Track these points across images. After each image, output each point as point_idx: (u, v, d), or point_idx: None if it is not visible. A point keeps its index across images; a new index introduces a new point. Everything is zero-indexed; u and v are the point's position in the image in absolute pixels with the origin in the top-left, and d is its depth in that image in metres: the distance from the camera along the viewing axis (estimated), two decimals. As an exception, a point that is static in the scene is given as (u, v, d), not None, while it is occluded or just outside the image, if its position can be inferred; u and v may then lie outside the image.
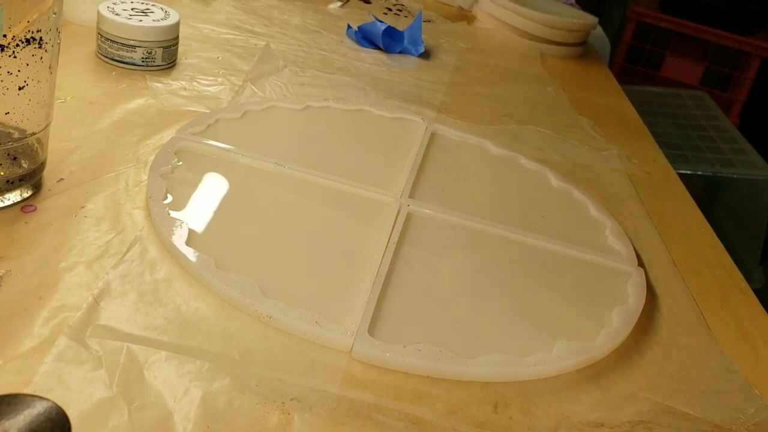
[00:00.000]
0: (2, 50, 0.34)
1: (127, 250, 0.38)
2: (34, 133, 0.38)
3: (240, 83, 0.60)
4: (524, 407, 0.34)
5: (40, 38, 0.36)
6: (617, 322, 0.41)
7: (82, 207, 0.40)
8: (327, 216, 0.45)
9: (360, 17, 0.85)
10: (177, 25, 0.59)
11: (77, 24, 0.64)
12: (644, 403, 0.37)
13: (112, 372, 0.30)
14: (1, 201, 0.39)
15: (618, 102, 0.81)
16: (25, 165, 0.39)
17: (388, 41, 0.77)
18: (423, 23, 0.83)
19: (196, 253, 0.37)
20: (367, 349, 0.35)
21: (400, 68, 0.74)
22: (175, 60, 0.60)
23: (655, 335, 0.42)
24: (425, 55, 0.79)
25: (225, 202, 0.43)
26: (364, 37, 0.78)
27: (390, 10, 0.94)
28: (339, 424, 0.31)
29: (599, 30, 1.08)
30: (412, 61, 0.77)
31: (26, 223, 0.38)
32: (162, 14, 0.59)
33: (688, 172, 1.03)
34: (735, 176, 1.05)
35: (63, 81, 0.53)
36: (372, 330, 0.36)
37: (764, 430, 0.36)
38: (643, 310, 0.43)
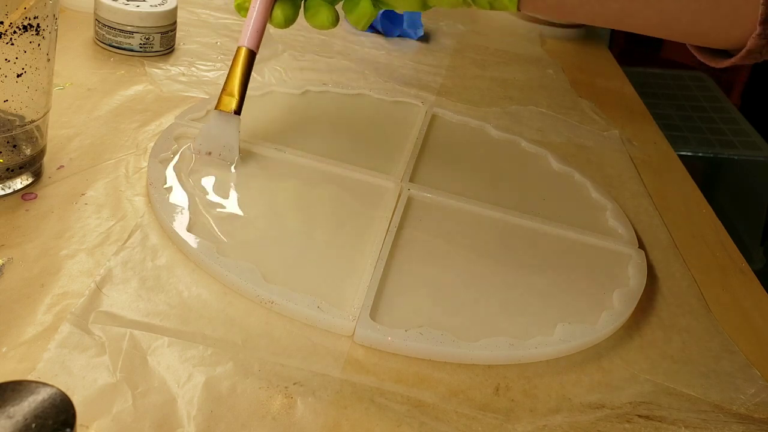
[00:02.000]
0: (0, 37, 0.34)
1: (129, 237, 0.38)
2: (33, 121, 0.38)
3: (239, 68, 0.60)
4: (526, 389, 0.35)
5: (38, 25, 0.35)
6: (618, 304, 0.41)
7: (83, 194, 0.40)
8: (327, 201, 0.45)
9: (359, 0, 0.84)
10: (174, 10, 0.59)
11: (74, 10, 0.63)
12: (645, 384, 0.37)
13: (115, 358, 0.31)
14: (2, 189, 0.39)
15: (618, 83, 0.81)
16: (25, 152, 0.39)
17: (387, 24, 0.76)
18: (422, 6, 0.82)
19: (198, 239, 0.37)
20: (369, 333, 0.35)
21: (400, 52, 0.73)
22: (173, 45, 0.60)
23: (655, 317, 0.42)
24: (424, 38, 0.79)
25: (225, 188, 0.43)
26: (363, 21, 0.77)
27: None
28: (342, 407, 0.31)
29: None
30: (411, 45, 0.76)
31: (27, 210, 0.38)
32: (159, 0, 0.59)
33: (689, 153, 1.03)
34: (736, 157, 1.05)
35: (61, 68, 0.53)
36: (374, 314, 0.36)
37: (765, 410, 0.36)
38: (643, 291, 0.43)
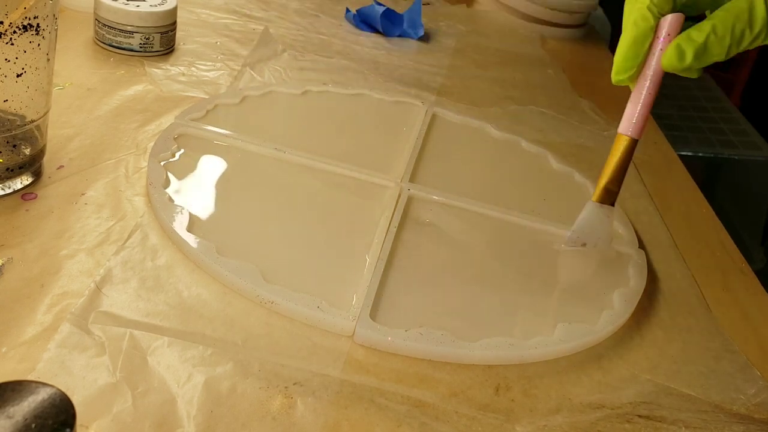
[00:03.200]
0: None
1: (128, 237, 0.38)
2: (33, 120, 0.38)
3: (239, 68, 0.60)
4: (526, 389, 0.35)
5: (37, 25, 0.35)
6: (618, 304, 0.41)
7: (83, 194, 0.40)
8: (327, 201, 0.45)
9: (359, 0, 0.84)
10: (174, 10, 0.59)
11: (74, 10, 0.63)
12: (645, 384, 0.37)
13: (115, 358, 0.31)
14: (2, 189, 0.38)
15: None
16: (24, 152, 0.39)
17: (387, 24, 0.76)
18: (422, 6, 0.82)
19: (197, 239, 0.37)
20: (369, 333, 0.35)
21: (400, 51, 0.73)
22: (173, 45, 0.60)
23: (656, 317, 0.42)
24: (425, 38, 0.79)
25: (225, 188, 0.43)
26: (363, 21, 0.77)
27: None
28: (342, 408, 0.31)
29: (600, 11, 1.07)
30: (411, 45, 0.76)
31: (27, 210, 0.38)
32: (159, 0, 0.59)
33: (689, 153, 1.03)
34: (736, 157, 1.05)
35: (61, 68, 0.53)
36: (374, 314, 0.36)
37: (765, 410, 0.36)
38: (644, 291, 0.43)
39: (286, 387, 0.32)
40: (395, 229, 0.42)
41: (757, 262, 1.03)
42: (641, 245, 0.48)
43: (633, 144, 0.41)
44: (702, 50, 0.38)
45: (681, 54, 0.38)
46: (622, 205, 0.52)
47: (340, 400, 0.32)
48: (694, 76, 0.41)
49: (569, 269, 0.44)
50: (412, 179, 0.49)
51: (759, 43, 0.39)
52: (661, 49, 0.39)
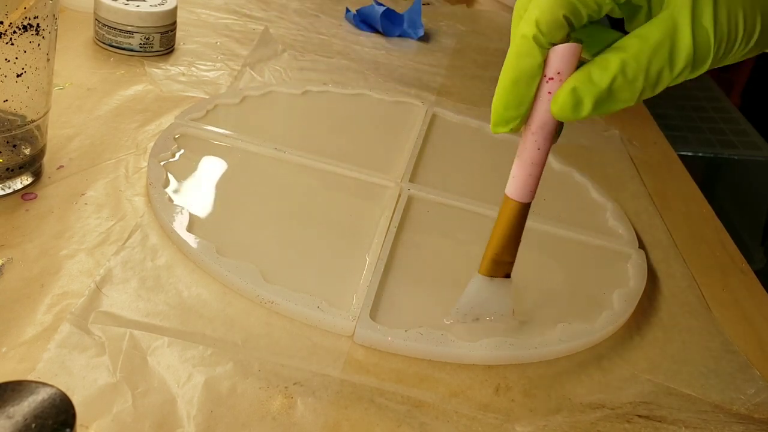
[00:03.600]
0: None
1: (128, 237, 0.38)
2: (33, 120, 0.38)
3: (239, 68, 0.60)
4: (526, 389, 0.35)
5: (37, 25, 0.35)
6: (618, 304, 0.41)
7: (83, 194, 0.40)
8: (328, 201, 0.45)
9: (359, 0, 0.84)
10: (174, 10, 0.59)
11: (74, 10, 0.63)
12: (645, 384, 0.37)
13: (115, 358, 0.31)
14: (2, 189, 0.39)
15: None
16: (24, 152, 0.39)
17: (387, 24, 0.76)
18: (422, 6, 0.82)
19: (197, 239, 0.37)
20: (369, 333, 0.35)
21: (400, 52, 0.73)
22: (173, 45, 0.60)
23: (655, 317, 0.42)
24: (425, 38, 0.79)
25: (225, 188, 0.43)
26: (363, 21, 0.77)
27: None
28: (342, 408, 0.31)
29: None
30: (411, 45, 0.76)
31: (27, 210, 0.38)
32: (159, 0, 0.59)
33: (689, 153, 1.03)
34: (736, 157, 1.05)
35: (61, 68, 0.53)
36: (374, 314, 0.36)
37: (765, 410, 0.36)
38: (644, 291, 0.43)
39: (286, 387, 0.32)
40: (395, 229, 0.42)
41: (757, 262, 1.03)
42: (641, 245, 0.48)
43: (524, 208, 0.34)
44: (605, 96, 0.29)
45: (577, 102, 0.29)
46: (622, 205, 0.52)
47: (340, 400, 0.32)
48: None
49: (569, 269, 0.44)
50: (412, 179, 0.49)
51: (679, 81, 0.30)
52: (549, 92, 0.30)
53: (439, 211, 0.46)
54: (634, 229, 0.50)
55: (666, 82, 0.29)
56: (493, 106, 0.32)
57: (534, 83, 0.30)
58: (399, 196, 0.46)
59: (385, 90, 0.62)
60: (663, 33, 0.28)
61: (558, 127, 0.32)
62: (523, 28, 0.29)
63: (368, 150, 0.52)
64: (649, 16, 0.30)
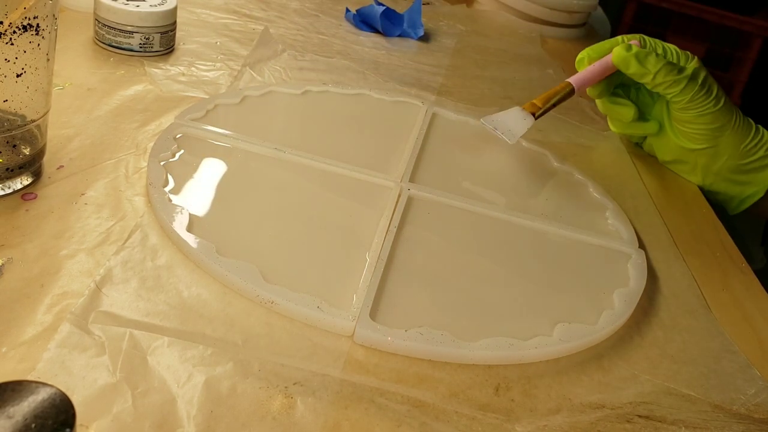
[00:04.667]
0: (-1, 37, 0.34)
1: (128, 237, 0.38)
2: (33, 120, 0.38)
3: (239, 68, 0.60)
4: (526, 389, 0.35)
5: (37, 25, 0.35)
6: (618, 304, 0.41)
7: (83, 194, 0.40)
8: (328, 201, 0.45)
9: (359, 0, 0.84)
10: (174, 10, 0.59)
11: (74, 10, 0.63)
12: (645, 384, 0.37)
13: (115, 358, 0.31)
14: (2, 189, 0.39)
15: (618, 83, 0.81)
16: (24, 152, 0.39)
17: (387, 24, 0.76)
18: (422, 6, 0.82)
19: (197, 239, 0.37)
20: (369, 333, 0.35)
21: (400, 51, 0.73)
22: (173, 45, 0.60)
23: (655, 317, 0.42)
24: (425, 38, 0.79)
25: (225, 188, 0.43)
26: (363, 21, 0.77)
27: (389, -8, 0.94)
28: (342, 408, 0.31)
29: (600, 11, 1.07)
30: (411, 45, 0.76)
31: (27, 210, 0.38)
32: (159, 0, 0.59)
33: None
34: (736, 157, 1.04)
35: (61, 68, 0.53)
36: (374, 314, 0.36)
37: (765, 410, 0.36)
38: (644, 291, 0.43)
39: (286, 387, 0.32)
40: (395, 229, 0.42)
41: (757, 262, 1.03)
42: (641, 245, 0.48)
43: (571, 91, 0.55)
44: (643, 56, 0.55)
45: (627, 47, 0.55)
46: (622, 205, 0.52)
47: (340, 400, 0.32)
48: (628, 116, 0.60)
49: (569, 269, 0.44)
50: (412, 179, 0.49)
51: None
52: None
53: (439, 211, 0.46)
54: (634, 228, 0.50)
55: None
56: (586, 49, 0.59)
57: (611, 47, 0.57)
58: (399, 196, 0.46)
59: (385, 90, 0.62)
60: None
61: (612, 71, 0.57)
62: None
63: (368, 150, 0.52)
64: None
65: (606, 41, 0.58)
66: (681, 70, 0.54)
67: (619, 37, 0.58)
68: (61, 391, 0.20)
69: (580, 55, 0.58)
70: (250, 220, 0.41)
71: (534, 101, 0.54)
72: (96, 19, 0.57)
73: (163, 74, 0.56)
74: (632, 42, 0.57)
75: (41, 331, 0.31)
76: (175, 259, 0.37)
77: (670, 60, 0.55)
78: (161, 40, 0.58)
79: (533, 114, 0.53)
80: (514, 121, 0.52)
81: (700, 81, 0.54)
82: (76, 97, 0.50)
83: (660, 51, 0.56)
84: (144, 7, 0.56)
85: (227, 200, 0.42)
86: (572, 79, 0.55)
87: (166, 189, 0.41)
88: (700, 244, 0.51)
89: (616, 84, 0.60)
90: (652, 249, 0.49)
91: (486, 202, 0.48)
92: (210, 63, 0.60)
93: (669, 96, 0.55)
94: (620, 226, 0.49)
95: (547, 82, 0.75)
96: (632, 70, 0.54)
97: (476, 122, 0.59)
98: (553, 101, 0.54)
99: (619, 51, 0.54)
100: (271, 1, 0.78)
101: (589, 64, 0.57)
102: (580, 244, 0.47)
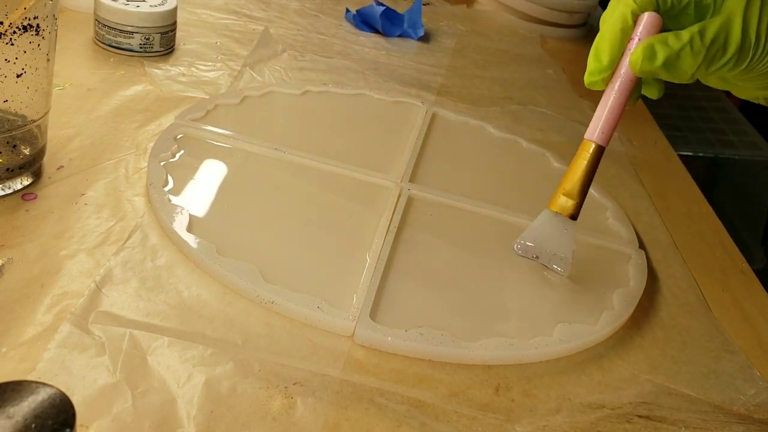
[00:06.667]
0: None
1: (128, 237, 0.38)
2: (33, 121, 0.38)
3: (239, 68, 0.60)
4: (526, 390, 0.35)
5: (37, 25, 0.35)
6: (618, 304, 0.41)
7: (83, 194, 0.40)
8: (327, 201, 0.45)
9: (359, 0, 0.84)
10: (174, 10, 0.59)
11: (74, 10, 0.63)
12: (645, 384, 0.37)
13: (115, 358, 0.31)
14: (2, 189, 0.39)
15: (619, 84, 0.81)
16: (25, 153, 0.39)
17: (387, 24, 0.76)
18: (422, 6, 0.82)
19: (197, 240, 0.37)
20: (369, 333, 0.35)
21: (400, 52, 0.73)
22: (173, 46, 0.60)
23: (656, 317, 0.42)
24: (425, 38, 0.79)
25: (225, 188, 0.43)
26: (363, 21, 0.77)
27: (389, -7, 0.94)
28: (342, 408, 0.31)
29: (600, 11, 1.07)
30: (411, 45, 0.76)
31: (27, 210, 0.38)
32: (159, 0, 0.59)
33: (689, 153, 1.03)
34: (736, 157, 1.05)
35: (61, 68, 0.53)
36: (374, 314, 0.36)
37: (765, 411, 0.36)
38: (644, 291, 0.43)
39: (286, 387, 0.32)
40: (395, 229, 0.42)
41: (757, 262, 1.03)
42: (641, 245, 0.48)
43: (599, 151, 0.38)
44: (674, 58, 0.36)
45: (651, 55, 0.35)
46: (622, 205, 0.52)
47: (340, 399, 0.32)
48: (654, 95, 0.39)
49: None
50: (412, 179, 0.49)
51: (725, 70, 0.37)
52: (630, 50, 0.36)
53: (439, 211, 0.46)
54: (634, 228, 0.50)
55: (718, 63, 0.36)
56: (588, 61, 0.38)
57: (623, 42, 0.37)
58: (399, 196, 0.46)
59: (385, 90, 0.62)
60: (721, 26, 0.36)
61: (637, 84, 0.38)
62: (625, 4, 0.37)
63: (368, 150, 0.52)
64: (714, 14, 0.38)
65: (607, 34, 0.37)
66: (726, 40, 0.36)
67: (623, 15, 0.37)
68: (61, 391, 0.20)
69: (590, 79, 0.38)
70: (250, 220, 0.41)
71: (563, 194, 0.38)
72: (96, 20, 0.57)
73: (163, 74, 0.56)
74: (647, 21, 0.36)
75: (41, 332, 0.31)
76: (175, 260, 0.37)
77: (708, 28, 0.36)
78: (161, 41, 0.58)
79: (572, 216, 0.38)
80: (556, 234, 0.38)
81: (752, 35, 0.36)
82: (76, 98, 0.50)
83: (691, 10, 0.37)
84: (144, 8, 0.56)
85: (227, 200, 0.42)
86: (591, 134, 0.38)
87: (166, 189, 0.41)
88: (700, 244, 0.51)
89: None
90: (652, 249, 0.49)
91: (486, 202, 0.48)
92: (210, 63, 0.60)
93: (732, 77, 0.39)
94: (620, 226, 0.49)
95: (547, 82, 0.75)
96: (666, 78, 0.37)
97: (476, 123, 0.59)
98: (586, 180, 0.38)
99: (638, 60, 0.36)
100: (271, 2, 0.78)
101: (604, 85, 0.38)
102: (580, 244, 0.47)
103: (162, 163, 0.43)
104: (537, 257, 0.38)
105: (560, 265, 0.38)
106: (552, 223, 0.38)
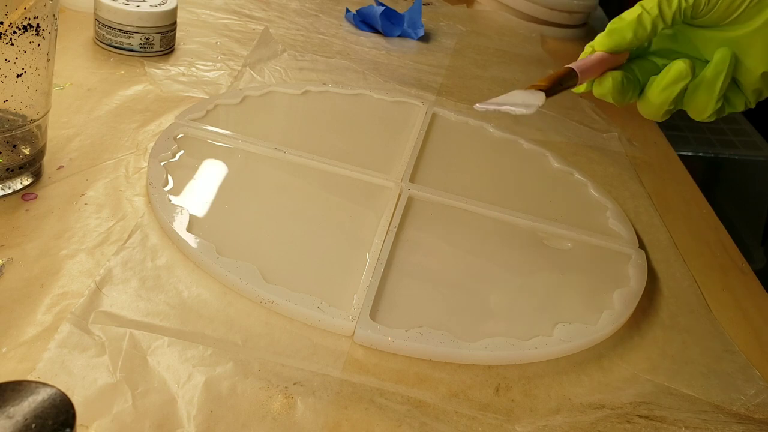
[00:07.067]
0: (-1, 37, 0.34)
1: (128, 237, 0.38)
2: (33, 121, 0.38)
3: (239, 68, 0.60)
4: (526, 390, 0.35)
5: (37, 25, 0.35)
6: (618, 304, 0.41)
7: (83, 194, 0.40)
8: (328, 201, 0.45)
9: (359, 0, 0.84)
10: (174, 10, 0.59)
11: (74, 10, 0.63)
12: (645, 384, 0.37)
13: (115, 358, 0.31)
14: (2, 189, 0.39)
15: (619, 84, 0.81)
16: (25, 152, 0.39)
17: (387, 24, 0.76)
18: (422, 6, 0.82)
19: (197, 240, 0.37)
20: (369, 333, 0.35)
21: (400, 52, 0.73)
22: (173, 45, 0.60)
23: (656, 317, 0.42)
24: (425, 38, 0.79)
25: (225, 188, 0.43)
26: (363, 21, 0.77)
27: (389, -8, 0.94)
28: (342, 408, 0.31)
29: (600, 11, 1.07)
30: (411, 45, 0.76)
31: (27, 210, 0.38)
32: (159, 0, 0.59)
33: (689, 153, 1.03)
34: (736, 157, 1.05)
35: (61, 68, 0.53)
36: (374, 314, 0.36)
37: (765, 411, 0.36)
38: (644, 291, 0.43)
39: (286, 387, 0.32)
40: (395, 229, 0.42)
41: (757, 262, 1.03)
42: (641, 245, 0.48)
43: (571, 72, 0.42)
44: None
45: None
46: (622, 205, 0.52)
47: (340, 399, 0.32)
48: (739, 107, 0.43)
49: (569, 269, 0.44)
50: (412, 179, 0.49)
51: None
52: None
53: (439, 211, 0.46)
54: (634, 228, 0.50)
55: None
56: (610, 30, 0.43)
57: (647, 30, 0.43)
58: (399, 196, 0.46)
59: (385, 90, 0.62)
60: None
61: (615, 65, 0.43)
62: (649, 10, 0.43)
63: (368, 150, 0.52)
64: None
65: (608, 36, 0.42)
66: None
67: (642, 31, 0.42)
68: (61, 391, 0.20)
69: (609, 34, 0.42)
70: (250, 220, 0.41)
71: (539, 81, 0.42)
72: (96, 19, 0.57)
73: (164, 74, 0.56)
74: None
75: (41, 331, 0.31)
76: (175, 260, 0.37)
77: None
78: (161, 41, 0.58)
79: (542, 89, 0.41)
80: (522, 97, 0.41)
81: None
82: (76, 97, 0.50)
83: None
84: (144, 7, 0.56)
85: (227, 200, 0.42)
86: (575, 65, 0.43)
87: (166, 189, 0.41)
88: (700, 244, 0.51)
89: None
90: (652, 249, 0.49)
91: (486, 202, 0.48)
92: (210, 63, 0.60)
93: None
94: (620, 226, 0.49)
95: (547, 82, 0.75)
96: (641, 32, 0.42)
97: (476, 123, 0.59)
98: (554, 81, 0.42)
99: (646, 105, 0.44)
100: (271, 1, 0.78)
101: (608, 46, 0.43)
102: (580, 244, 0.47)
103: (162, 163, 0.43)
104: (502, 105, 0.39)
105: (526, 108, 0.39)
106: (520, 92, 0.40)
